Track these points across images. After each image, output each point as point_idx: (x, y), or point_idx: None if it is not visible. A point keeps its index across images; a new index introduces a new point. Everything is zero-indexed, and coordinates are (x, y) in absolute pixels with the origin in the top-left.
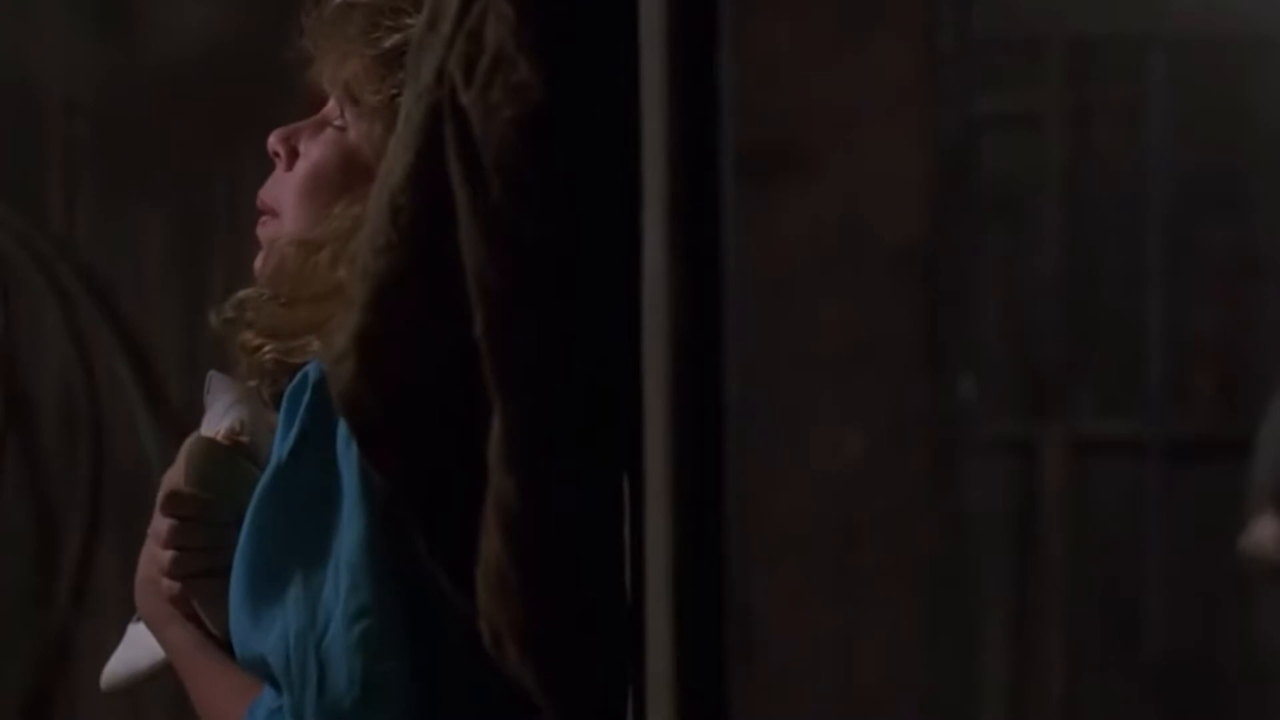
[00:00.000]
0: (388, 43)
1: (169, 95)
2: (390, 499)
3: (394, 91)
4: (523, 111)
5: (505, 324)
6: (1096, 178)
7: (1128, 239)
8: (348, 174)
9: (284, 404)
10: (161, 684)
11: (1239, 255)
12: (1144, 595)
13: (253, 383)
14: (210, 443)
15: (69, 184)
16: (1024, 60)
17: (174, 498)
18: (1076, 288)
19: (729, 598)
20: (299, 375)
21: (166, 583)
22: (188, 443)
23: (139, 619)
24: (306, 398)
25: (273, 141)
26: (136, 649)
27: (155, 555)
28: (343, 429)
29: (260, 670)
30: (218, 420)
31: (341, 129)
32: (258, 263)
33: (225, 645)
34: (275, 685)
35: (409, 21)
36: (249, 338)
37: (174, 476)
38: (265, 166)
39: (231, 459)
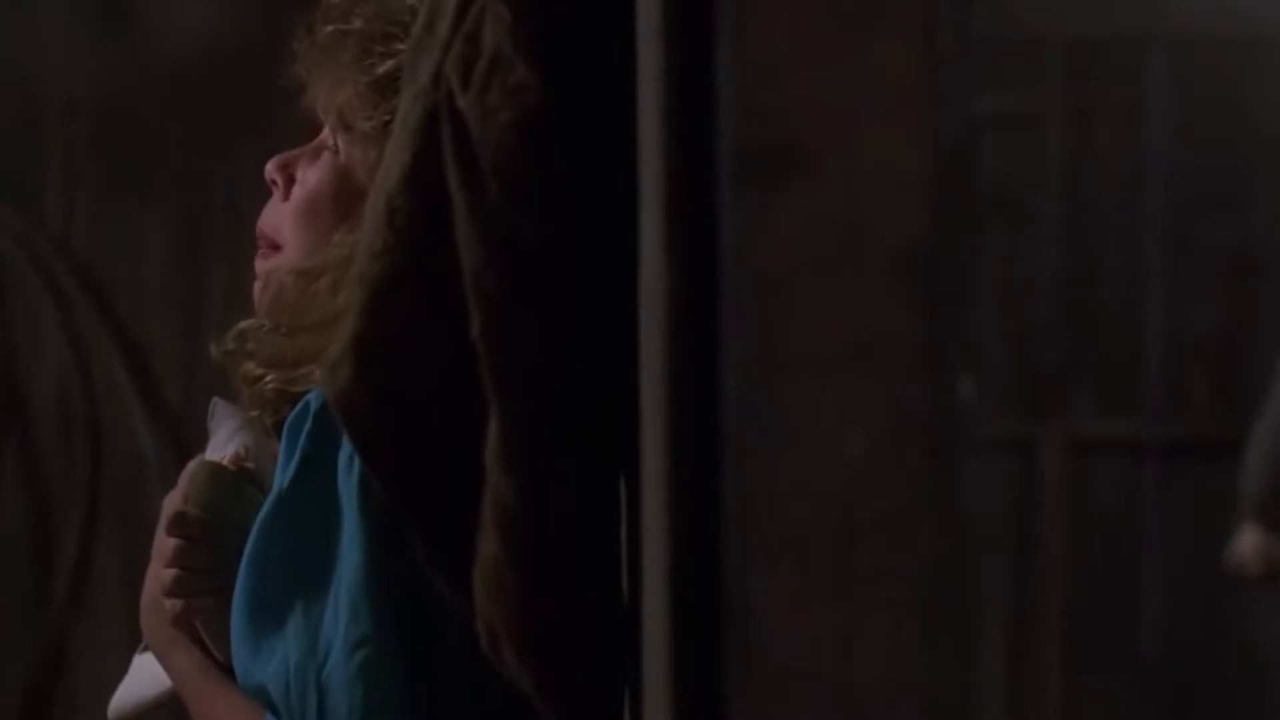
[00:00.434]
0: (381, 69)
1: (168, 96)
2: (388, 503)
3: (387, 118)
4: (520, 114)
5: (503, 326)
6: (1096, 178)
7: (1127, 239)
8: (344, 199)
9: (285, 433)
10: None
11: (1238, 256)
12: (1142, 595)
13: (255, 413)
14: (216, 466)
15: (67, 184)
16: (1024, 60)
17: (179, 519)
18: (1076, 288)
19: (727, 598)
20: (300, 404)
21: (169, 603)
22: (192, 466)
23: (145, 648)
24: (307, 426)
25: (270, 170)
26: (142, 679)
27: (159, 576)
28: (343, 458)
29: (262, 698)
30: (222, 446)
31: (336, 154)
32: (256, 290)
33: (229, 669)
34: (276, 713)
35: (401, 48)
36: (250, 368)
37: (177, 499)
38: (266, 167)
39: (237, 484)
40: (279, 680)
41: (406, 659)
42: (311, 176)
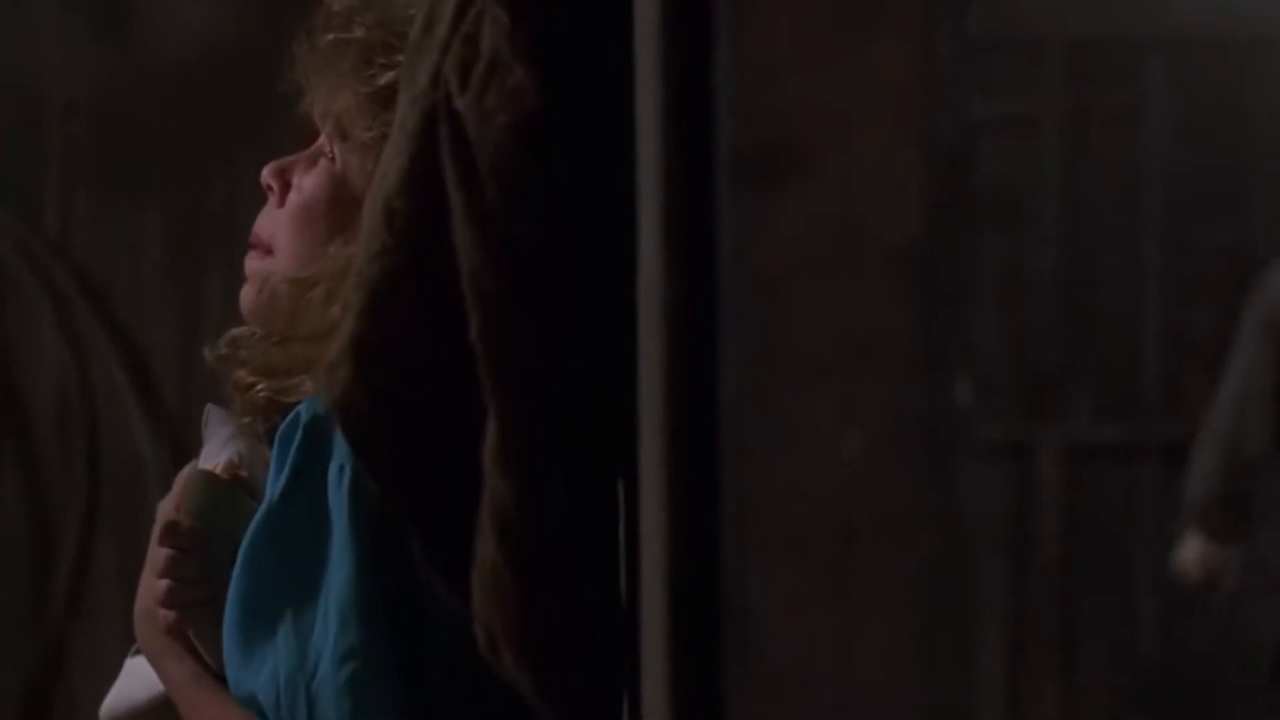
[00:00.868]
0: (381, 80)
1: (167, 97)
2: (386, 504)
3: (385, 129)
4: (518, 116)
5: (501, 327)
6: (1094, 180)
7: (1125, 241)
8: (339, 208)
9: (275, 444)
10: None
11: (1236, 257)
12: (1139, 595)
13: (246, 420)
14: (209, 475)
15: (66, 185)
16: (1022, 62)
17: (172, 528)
18: (1073, 290)
19: (725, 599)
20: (290, 416)
21: (162, 613)
22: (185, 474)
23: (136, 652)
24: (297, 438)
25: (266, 175)
26: (134, 683)
27: (152, 585)
28: (333, 470)
29: (254, 708)
30: (216, 453)
31: (333, 162)
32: (244, 293)
33: (222, 677)
34: None
35: (402, 59)
36: (242, 376)
37: (170, 507)
38: (264, 168)
39: (230, 492)
40: (269, 690)
41: (395, 670)
42: (307, 184)
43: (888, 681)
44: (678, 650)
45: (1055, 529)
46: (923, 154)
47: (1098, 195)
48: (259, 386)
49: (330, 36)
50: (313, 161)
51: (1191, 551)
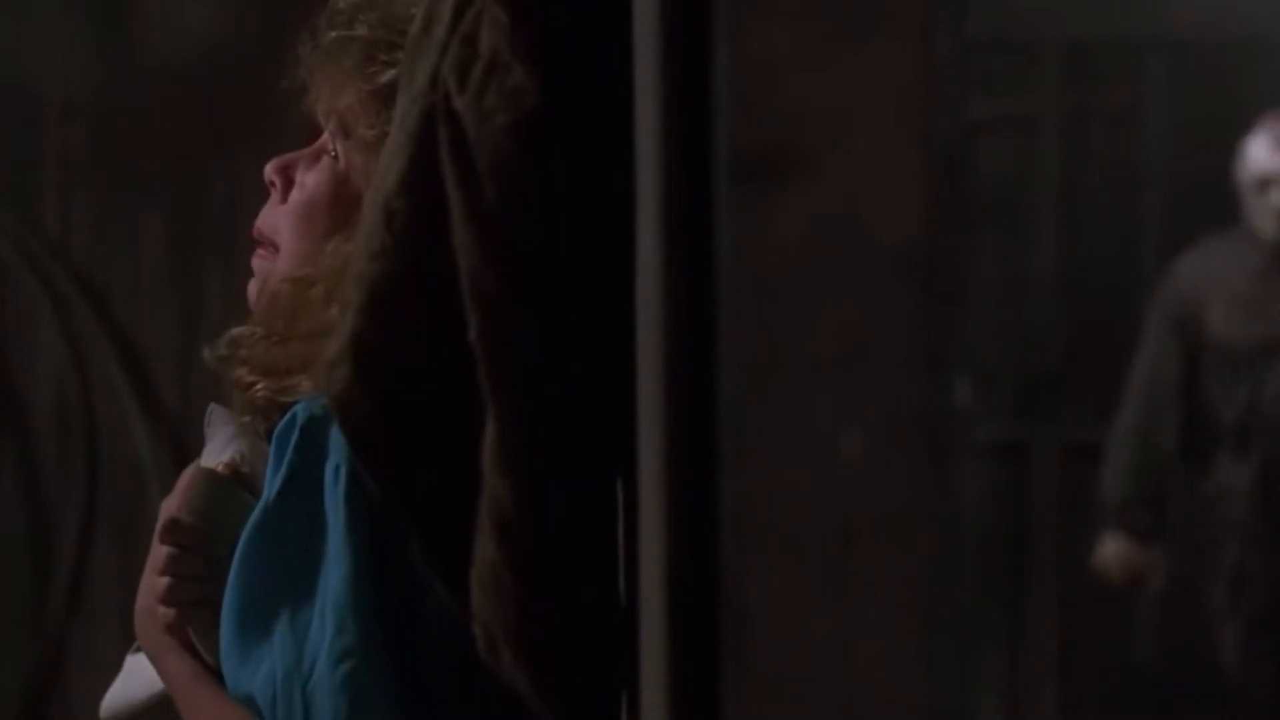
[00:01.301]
0: (383, 78)
1: (165, 98)
2: (385, 504)
3: (387, 127)
4: (517, 116)
5: (500, 327)
6: (1093, 180)
7: (1124, 242)
8: (340, 206)
9: (272, 444)
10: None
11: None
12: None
13: (245, 419)
14: (211, 473)
15: (65, 186)
16: (1021, 63)
17: (173, 526)
18: (1072, 291)
19: (724, 600)
20: (287, 416)
21: (162, 610)
22: (188, 472)
23: (137, 649)
24: (293, 439)
25: (268, 171)
26: (135, 680)
27: (152, 583)
28: (329, 470)
29: (251, 707)
30: (219, 452)
31: (335, 160)
32: (250, 289)
33: (222, 676)
34: None
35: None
36: (242, 375)
37: (172, 505)
38: (263, 169)
39: (232, 490)
40: (266, 690)
41: (391, 670)
42: (310, 181)
43: (887, 682)
44: (676, 650)
45: (1052, 528)
46: (922, 154)
47: (1097, 195)
48: (258, 386)
49: (333, 34)
50: (315, 158)
51: (1110, 551)
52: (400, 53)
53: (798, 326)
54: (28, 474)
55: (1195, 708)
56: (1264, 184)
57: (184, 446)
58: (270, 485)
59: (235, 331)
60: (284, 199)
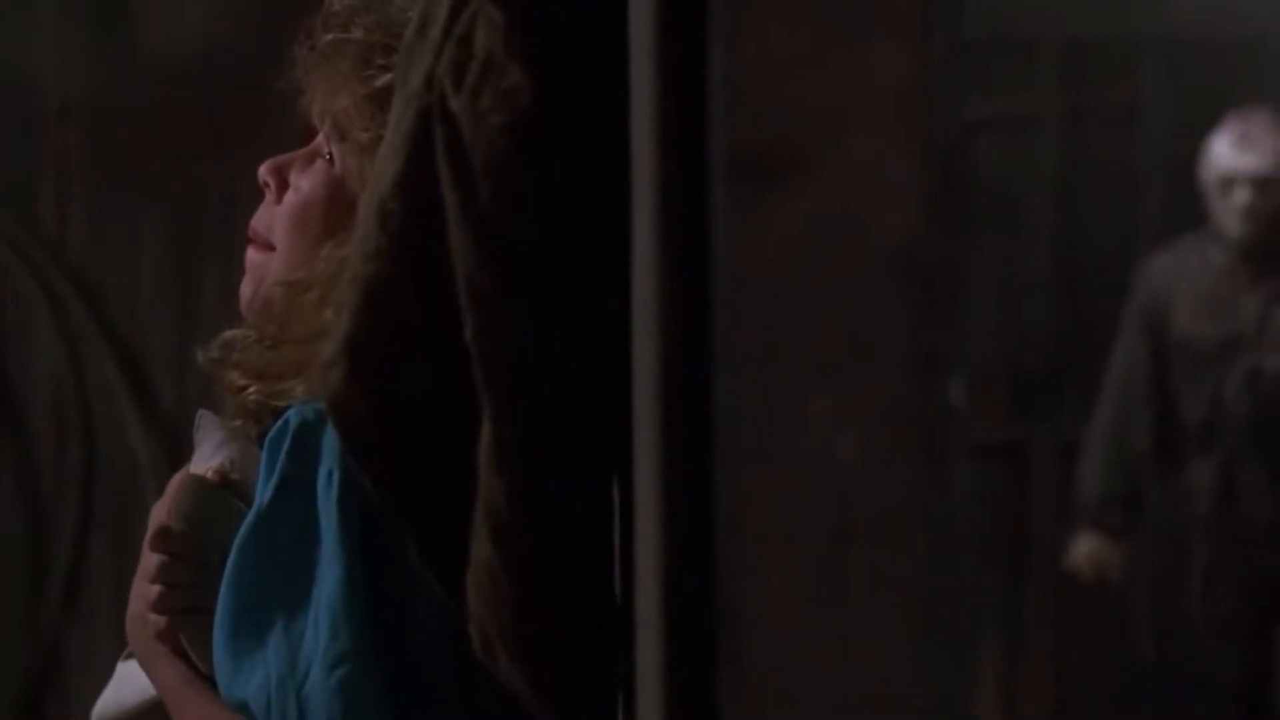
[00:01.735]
0: (379, 82)
1: (163, 98)
2: (380, 505)
3: (382, 130)
4: (513, 117)
5: (496, 328)
6: (1091, 180)
7: (1122, 242)
8: (335, 209)
9: (265, 450)
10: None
11: None
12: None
13: (237, 423)
14: (200, 480)
15: (61, 187)
16: (1019, 62)
17: (163, 533)
18: (1069, 290)
19: (720, 600)
20: (279, 421)
21: (153, 618)
22: (177, 479)
23: (129, 656)
24: (286, 445)
25: (263, 172)
26: (127, 687)
27: (143, 590)
28: (322, 476)
29: (245, 714)
30: (208, 458)
31: (331, 162)
32: (243, 286)
33: (214, 682)
34: None
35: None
36: (235, 378)
37: (162, 512)
38: (259, 169)
39: (221, 497)
40: (260, 697)
41: (385, 676)
42: (304, 183)
43: (883, 682)
44: (672, 651)
45: (1049, 529)
46: (919, 154)
47: (1094, 195)
48: (251, 389)
49: (329, 37)
50: (310, 160)
51: (1082, 549)
52: (396, 56)
53: (794, 326)
54: (24, 474)
55: (1191, 707)
56: (1227, 183)
57: (180, 447)
58: (263, 492)
59: (228, 334)
60: (278, 200)
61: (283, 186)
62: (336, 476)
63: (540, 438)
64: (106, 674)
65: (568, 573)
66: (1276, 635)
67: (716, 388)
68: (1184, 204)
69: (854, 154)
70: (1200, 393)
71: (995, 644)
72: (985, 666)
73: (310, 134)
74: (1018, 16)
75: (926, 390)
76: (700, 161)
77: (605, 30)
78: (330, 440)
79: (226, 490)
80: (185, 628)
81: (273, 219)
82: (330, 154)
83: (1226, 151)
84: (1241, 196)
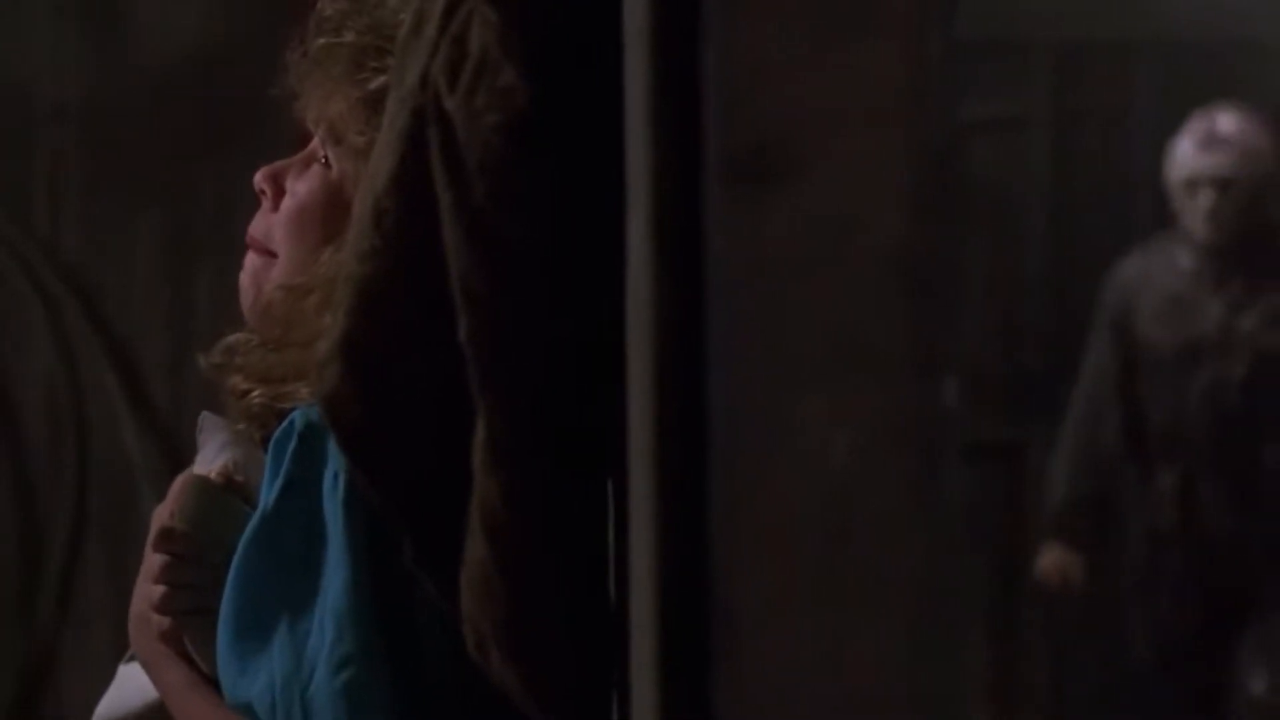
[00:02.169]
0: (372, 84)
1: (158, 100)
2: (376, 504)
3: (377, 133)
4: (507, 116)
5: (490, 328)
6: (1084, 182)
7: (1115, 244)
8: (332, 214)
9: (270, 452)
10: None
11: None
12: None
13: (242, 426)
14: (204, 481)
15: (56, 188)
16: (1013, 65)
17: (166, 534)
18: (1063, 292)
19: (714, 601)
20: (284, 423)
21: (156, 619)
22: (180, 480)
23: (130, 658)
24: (291, 446)
25: (258, 180)
26: (128, 689)
27: (146, 591)
28: (327, 477)
29: (249, 716)
30: (211, 459)
31: (327, 167)
32: (242, 280)
33: (216, 684)
34: None
35: (392, 63)
36: (238, 382)
37: (165, 513)
38: (254, 170)
39: (225, 498)
40: (265, 699)
41: (391, 678)
42: (301, 188)
43: (878, 683)
44: (667, 651)
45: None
46: (913, 156)
47: (1087, 197)
48: (254, 393)
49: (321, 41)
50: (306, 165)
51: (1050, 559)
52: (389, 59)
53: (789, 327)
54: (18, 476)
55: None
56: (1192, 184)
57: (175, 448)
58: (268, 493)
59: (230, 338)
60: (274, 207)
61: (279, 193)
62: (342, 478)
63: (535, 437)
64: (102, 674)
65: (562, 572)
66: (1236, 648)
67: (711, 388)
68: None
69: (848, 155)
70: (1163, 399)
71: (990, 644)
72: (981, 667)
73: (306, 139)
74: (1012, 18)
75: (921, 391)
76: (695, 162)
77: (600, 30)
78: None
79: (230, 491)
80: (188, 629)
81: (269, 225)
82: (326, 158)
83: (1190, 152)
84: (1206, 198)
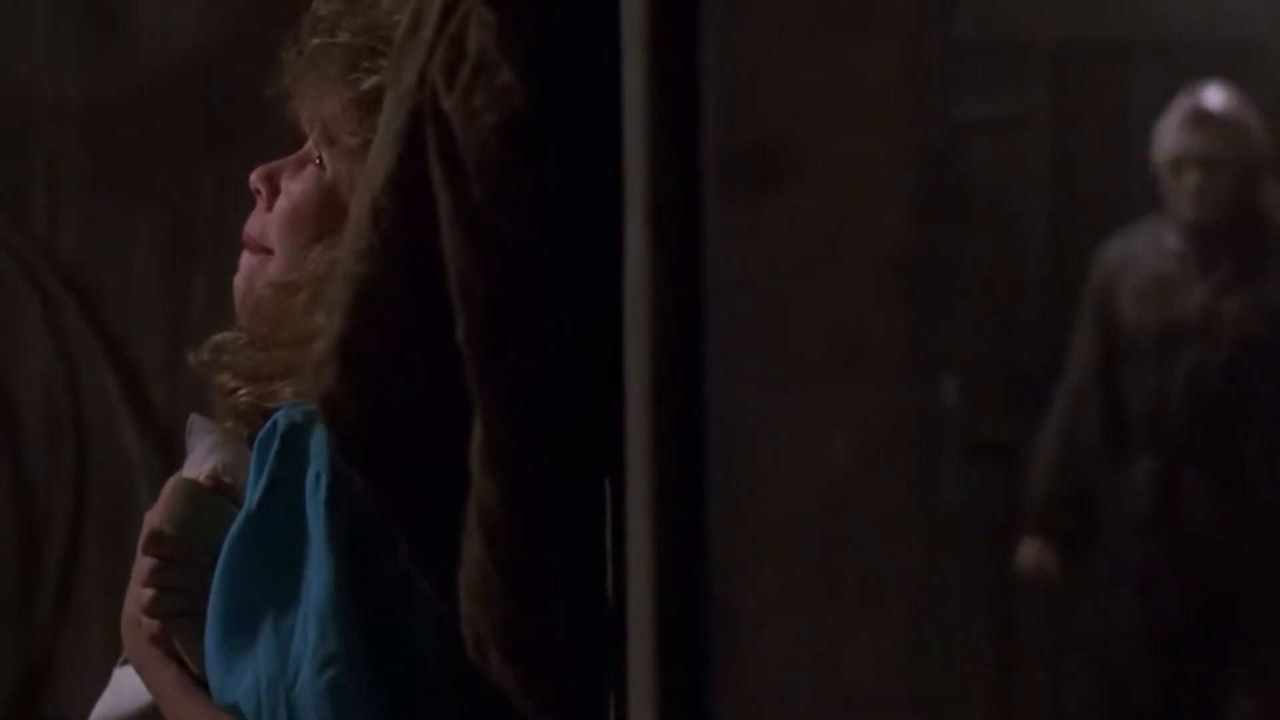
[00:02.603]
0: (366, 85)
1: (156, 100)
2: (374, 504)
3: (371, 134)
4: (505, 116)
5: (488, 327)
6: (1083, 182)
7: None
8: (327, 214)
9: (254, 452)
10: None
11: None
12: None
13: (229, 424)
14: (193, 484)
15: (54, 189)
16: (1012, 65)
17: (156, 538)
18: (1061, 292)
19: (712, 600)
20: (268, 424)
21: (147, 622)
22: (170, 483)
23: (125, 661)
24: (274, 447)
25: (254, 180)
26: (123, 692)
27: (137, 595)
28: (310, 478)
29: (237, 716)
30: (200, 462)
31: (321, 167)
32: (236, 281)
33: (208, 686)
34: None
35: (386, 64)
36: (226, 380)
37: (155, 517)
38: (252, 170)
39: (213, 501)
40: (250, 699)
41: (375, 677)
42: (295, 189)
43: (876, 683)
44: (665, 651)
45: None
46: (911, 156)
47: (1087, 197)
48: (242, 391)
49: (316, 41)
50: (300, 165)
51: (1028, 554)
52: (383, 59)
53: (787, 327)
54: (17, 476)
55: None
56: (1177, 165)
57: (173, 448)
58: (251, 494)
59: (219, 337)
60: (269, 207)
61: (274, 193)
62: (325, 478)
63: (532, 438)
64: (99, 675)
65: (560, 573)
66: (1216, 644)
67: (710, 388)
68: None
69: (847, 155)
70: (1145, 383)
71: (989, 644)
72: (977, 667)
73: (300, 139)
74: (1012, 18)
75: (921, 391)
76: (693, 162)
77: (598, 30)
78: (318, 442)
79: (219, 494)
80: (178, 631)
81: (265, 225)
82: (320, 159)
83: (1175, 132)
84: (1193, 178)
